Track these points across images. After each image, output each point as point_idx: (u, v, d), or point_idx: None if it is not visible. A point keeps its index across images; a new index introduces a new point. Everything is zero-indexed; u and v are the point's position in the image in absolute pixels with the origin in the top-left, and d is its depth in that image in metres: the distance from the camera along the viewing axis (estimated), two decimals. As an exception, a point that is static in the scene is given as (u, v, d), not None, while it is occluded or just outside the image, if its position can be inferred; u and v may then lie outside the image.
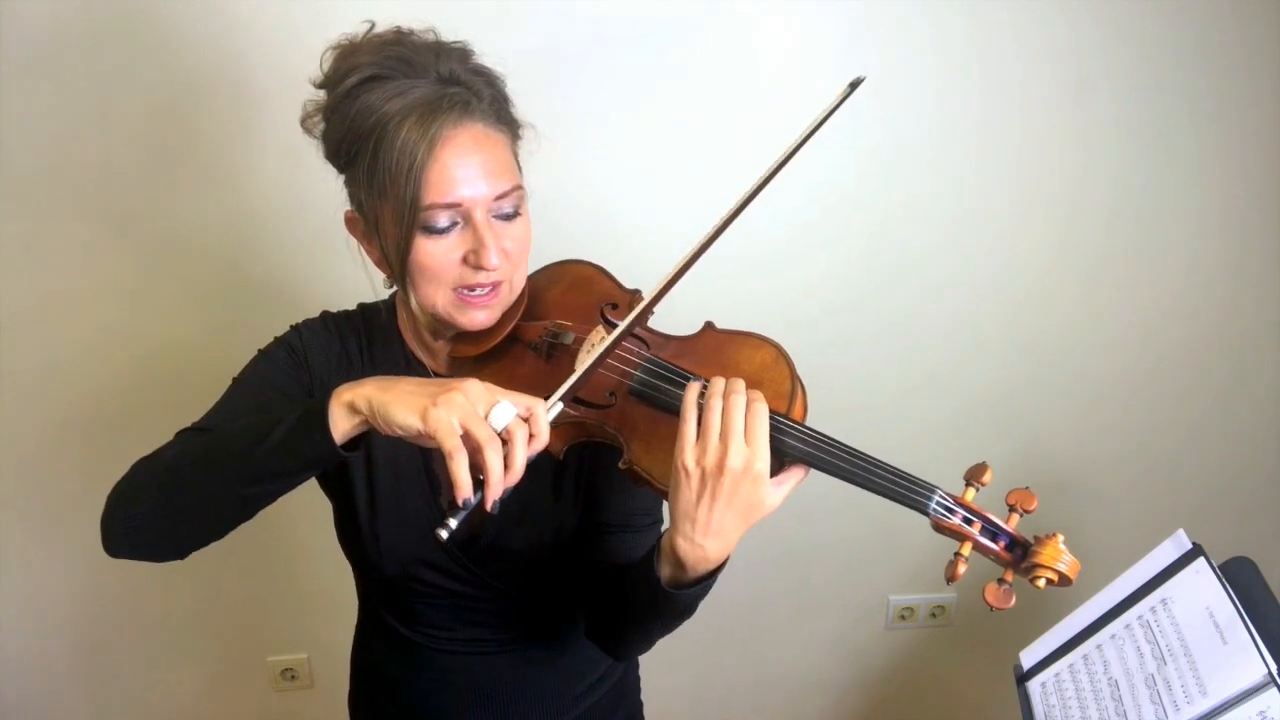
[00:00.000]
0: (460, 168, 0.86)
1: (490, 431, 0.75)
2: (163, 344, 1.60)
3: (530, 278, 1.00)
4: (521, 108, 0.96)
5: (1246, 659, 0.89)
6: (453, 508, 0.76)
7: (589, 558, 1.02)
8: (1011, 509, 0.84)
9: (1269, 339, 1.85)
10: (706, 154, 1.60)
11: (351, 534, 1.04)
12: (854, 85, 0.96)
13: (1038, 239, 1.72)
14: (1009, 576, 0.82)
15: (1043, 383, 1.84)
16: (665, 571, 0.86)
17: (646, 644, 0.99)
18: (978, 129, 1.63)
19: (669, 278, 0.88)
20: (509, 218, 0.91)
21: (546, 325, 0.97)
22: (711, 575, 0.85)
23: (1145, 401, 1.87)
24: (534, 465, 0.98)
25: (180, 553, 0.89)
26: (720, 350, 0.92)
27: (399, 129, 0.84)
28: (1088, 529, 1.88)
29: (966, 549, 0.82)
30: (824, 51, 1.57)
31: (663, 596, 0.86)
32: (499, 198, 0.89)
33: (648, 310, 0.89)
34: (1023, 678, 1.14)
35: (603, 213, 1.60)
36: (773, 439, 0.81)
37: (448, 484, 0.75)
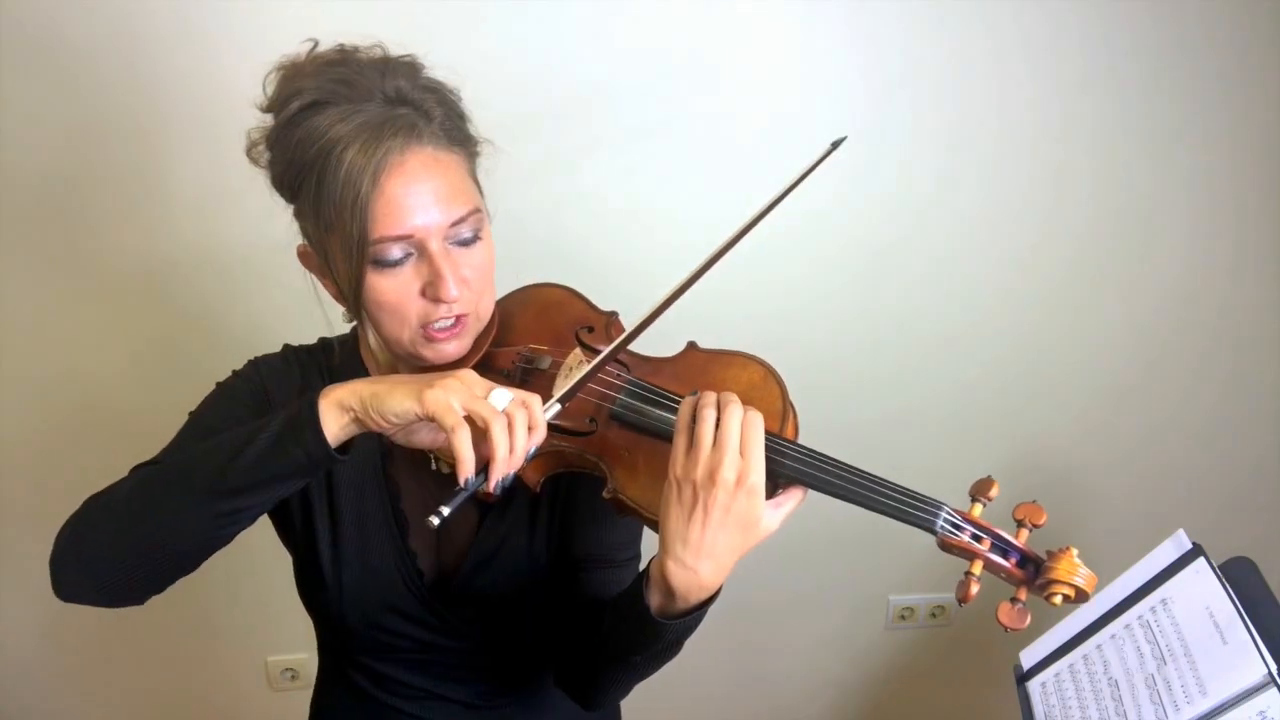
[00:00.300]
0: (410, 195, 0.81)
1: (493, 409, 0.73)
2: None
3: (499, 303, 0.95)
4: (481, 117, 0.91)
5: (1246, 659, 0.89)
6: (448, 494, 0.73)
7: (565, 597, 0.97)
8: (1020, 524, 0.80)
9: (1269, 339, 1.85)
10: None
11: (314, 585, 0.98)
12: (835, 145, 0.92)
13: (1037, 240, 1.72)
14: (1022, 595, 0.78)
15: (1042, 383, 1.84)
16: (654, 600, 0.80)
17: (623, 689, 0.93)
18: (974, 133, 1.63)
19: (651, 313, 0.84)
20: (468, 243, 0.85)
21: (520, 351, 0.93)
22: (703, 606, 0.80)
23: (1145, 402, 1.87)
24: (507, 499, 0.96)
25: (141, 593, 0.83)
26: (705, 370, 0.88)
27: (342, 157, 0.79)
28: (1088, 529, 1.88)
29: (977, 567, 0.78)
30: (815, 56, 1.57)
31: (650, 628, 0.80)
32: (455, 224, 0.83)
33: (631, 338, 0.86)
34: (1023, 678, 1.14)
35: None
36: (767, 459, 0.77)
37: (435, 481, 0.72)
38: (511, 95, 1.43)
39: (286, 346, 1.01)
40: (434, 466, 0.97)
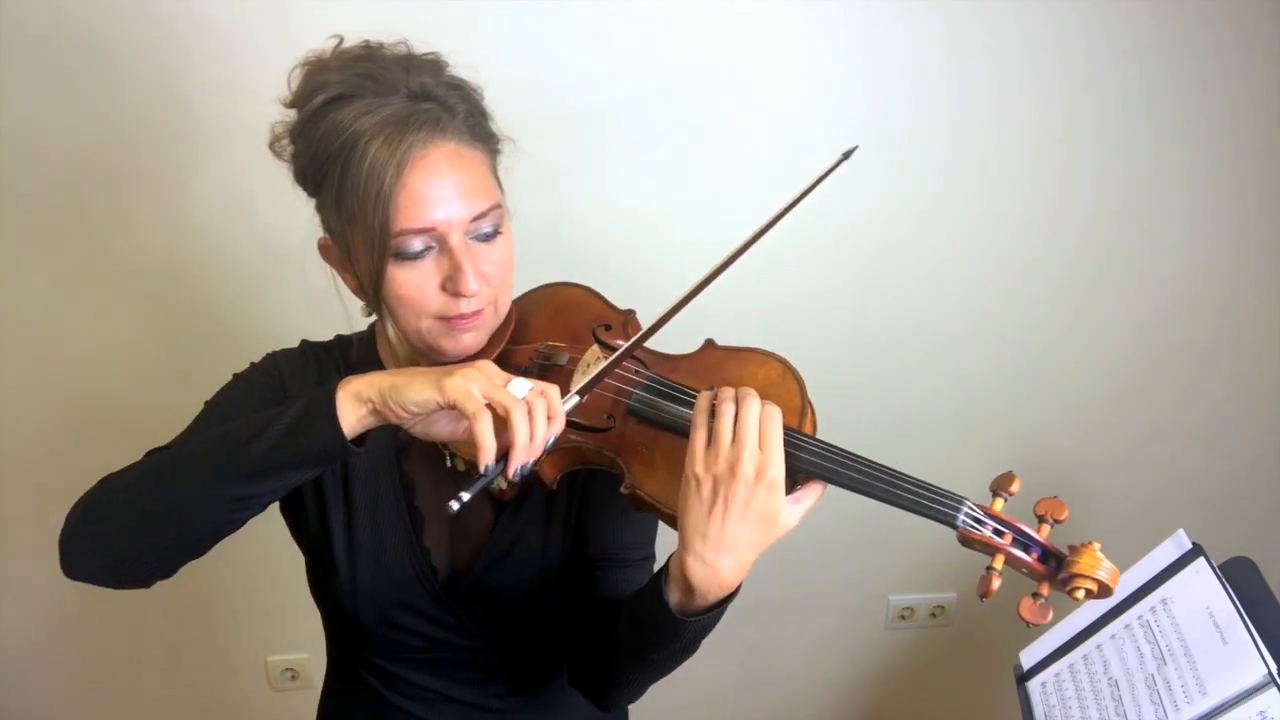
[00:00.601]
0: (432, 189, 0.81)
1: (513, 396, 0.74)
2: (144, 360, 1.59)
3: (516, 301, 0.96)
4: (502, 119, 0.92)
5: (1246, 659, 0.89)
6: (468, 480, 0.73)
7: (579, 596, 0.97)
8: (1041, 519, 0.80)
9: (1269, 339, 1.85)
10: (699, 167, 1.60)
11: (327, 581, 0.97)
12: (847, 155, 0.94)
13: (1038, 240, 1.72)
14: (1044, 590, 0.77)
15: (1043, 384, 1.84)
16: (673, 597, 0.80)
17: (639, 688, 0.92)
18: (976, 133, 1.63)
19: (669, 310, 0.84)
20: (488, 238, 0.86)
21: (537, 348, 0.93)
22: (722, 603, 0.80)
23: (1146, 402, 1.88)
24: (522, 495, 0.96)
25: (148, 575, 0.83)
26: (723, 367, 0.89)
27: (366, 151, 0.80)
28: (1088, 529, 1.87)
29: (999, 562, 0.77)
30: (826, 57, 1.57)
31: (669, 625, 0.80)
32: (476, 218, 0.84)
33: (649, 334, 0.86)
34: (1023, 678, 1.14)
35: (592, 229, 1.59)
36: (786, 454, 0.77)
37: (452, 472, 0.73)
38: (529, 97, 1.44)
39: (304, 342, 1.02)
40: (449, 464, 0.96)
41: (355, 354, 1.00)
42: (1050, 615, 0.77)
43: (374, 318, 0.99)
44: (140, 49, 1.41)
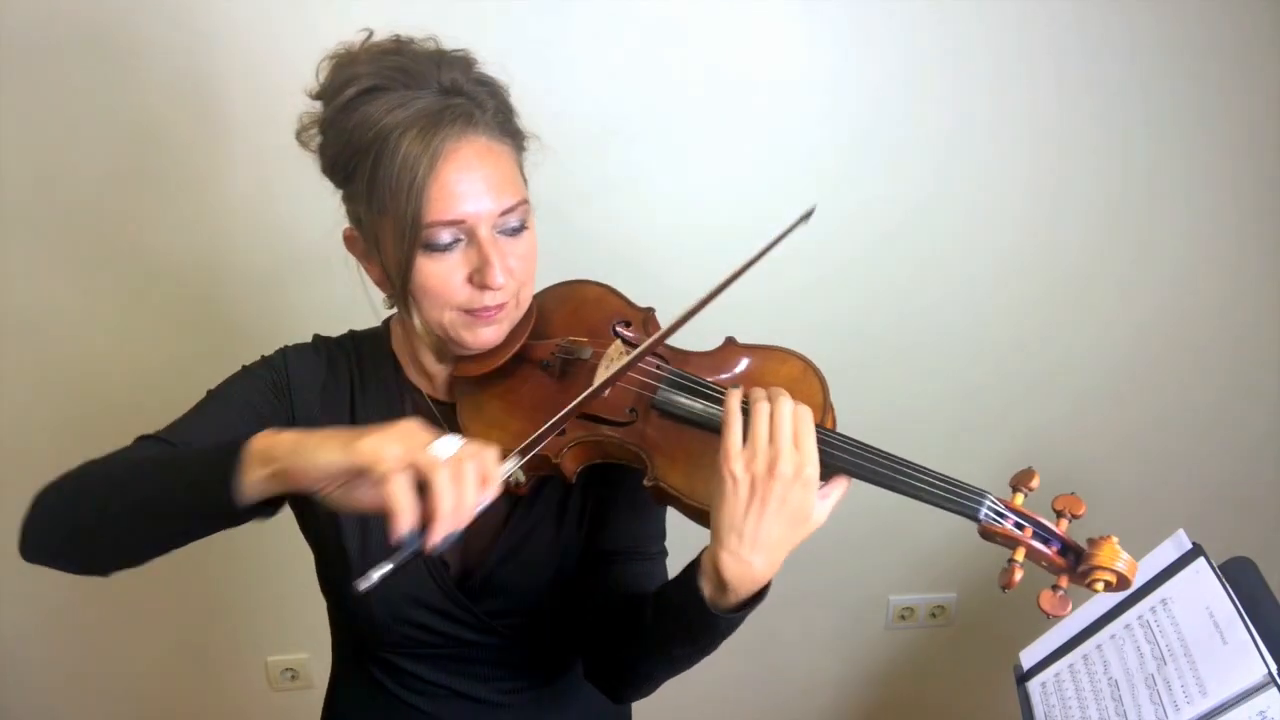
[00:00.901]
0: (463, 182, 0.83)
1: (435, 458, 0.68)
2: (153, 357, 1.60)
3: (536, 297, 0.97)
4: (528, 117, 0.93)
5: (1246, 659, 0.89)
6: (385, 552, 0.67)
7: (594, 590, 0.97)
8: (1059, 514, 0.82)
9: (1268, 338, 1.85)
10: (721, 165, 1.60)
11: (338, 577, 0.97)
12: (806, 216, 0.95)
13: (1037, 239, 1.72)
14: (1064, 582, 0.79)
15: (1041, 383, 1.84)
16: (706, 592, 0.80)
17: (655, 683, 0.93)
18: (972, 132, 1.63)
19: (683, 315, 0.85)
20: (515, 233, 0.88)
21: (559, 343, 0.95)
22: (753, 600, 0.80)
23: (1145, 401, 1.87)
24: (537, 490, 0.96)
25: (98, 570, 0.83)
26: (744, 364, 0.90)
27: (399, 142, 0.81)
28: (1088, 529, 1.88)
29: (1020, 555, 0.78)
30: (832, 58, 1.57)
31: (701, 619, 0.80)
32: (504, 213, 0.85)
33: (658, 341, 0.87)
34: (1023, 678, 1.14)
35: (613, 227, 1.60)
36: (819, 452, 0.78)
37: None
38: (545, 98, 1.45)
39: (317, 336, 1.02)
40: None
41: (367, 349, 1.01)
42: (1069, 607, 0.78)
43: (387, 314, 1.00)
44: (160, 47, 1.41)
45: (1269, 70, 1.64)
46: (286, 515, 1.01)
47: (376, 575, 0.67)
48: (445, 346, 0.93)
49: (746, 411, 0.79)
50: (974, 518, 0.79)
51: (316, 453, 0.69)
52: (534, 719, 1.07)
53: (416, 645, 1.00)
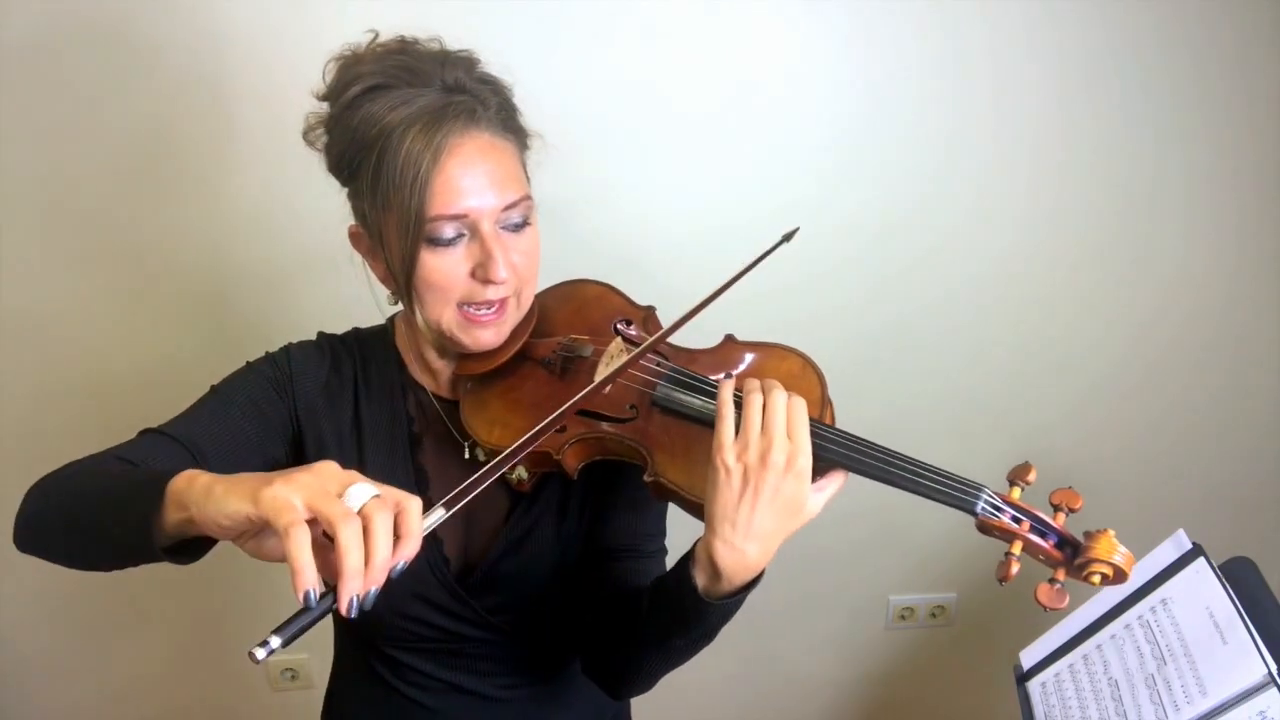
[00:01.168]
0: (466, 178, 0.84)
1: (345, 509, 0.62)
2: (160, 355, 1.60)
3: (538, 297, 0.97)
4: (529, 116, 0.94)
5: (1246, 659, 0.89)
6: (286, 620, 0.60)
7: (594, 587, 0.98)
8: (1057, 508, 0.82)
9: (1269, 339, 1.85)
10: (721, 165, 1.60)
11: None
12: (787, 236, 0.96)
13: (1037, 239, 1.72)
14: (1061, 575, 0.80)
15: (1041, 383, 1.84)
16: (700, 581, 0.81)
17: (653, 678, 0.94)
18: (974, 133, 1.63)
19: (673, 325, 0.87)
20: (517, 229, 0.88)
21: (560, 341, 0.96)
22: (747, 587, 0.82)
23: (1144, 401, 1.88)
24: (538, 487, 0.97)
25: (76, 567, 0.83)
26: (743, 361, 0.91)
27: (403, 139, 0.82)
28: (1087, 526, 1.88)
29: (1017, 548, 0.79)
30: (831, 57, 1.57)
31: (695, 608, 0.82)
32: (507, 208, 0.86)
33: (657, 343, 0.88)
34: (1023, 678, 1.14)
35: (614, 226, 1.60)
36: (813, 444, 0.78)
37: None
38: (544, 98, 1.47)
39: (321, 334, 1.03)
40: (467, 455, 0.98)
41: (371, 346, 1.02)
42: (1066, 600, 0.79)
43: (393, 310, 1.01)
44: (165, 46, 1.42)
45: (1269, 70, 1.64)
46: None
47: (276, 642, 0.59)
48: (446, 344, 0.94)
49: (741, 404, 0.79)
50: (971, 511, 0.80)
51: (224, 500, 0.64)
52: (533, 715, 1.07)
53: (416, 640, 1.00)
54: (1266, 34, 1.62)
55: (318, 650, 1.88)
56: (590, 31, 1.49)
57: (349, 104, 0.85)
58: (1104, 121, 1.65)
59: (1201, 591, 0.99)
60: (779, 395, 0.78)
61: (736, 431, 0.78)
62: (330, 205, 0.94)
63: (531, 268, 0.91)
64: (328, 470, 0.65)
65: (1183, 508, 1.94)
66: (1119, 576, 0.78)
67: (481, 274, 0.86)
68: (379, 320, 1.05)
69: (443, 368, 0.99)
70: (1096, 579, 0.78)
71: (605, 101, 1.53)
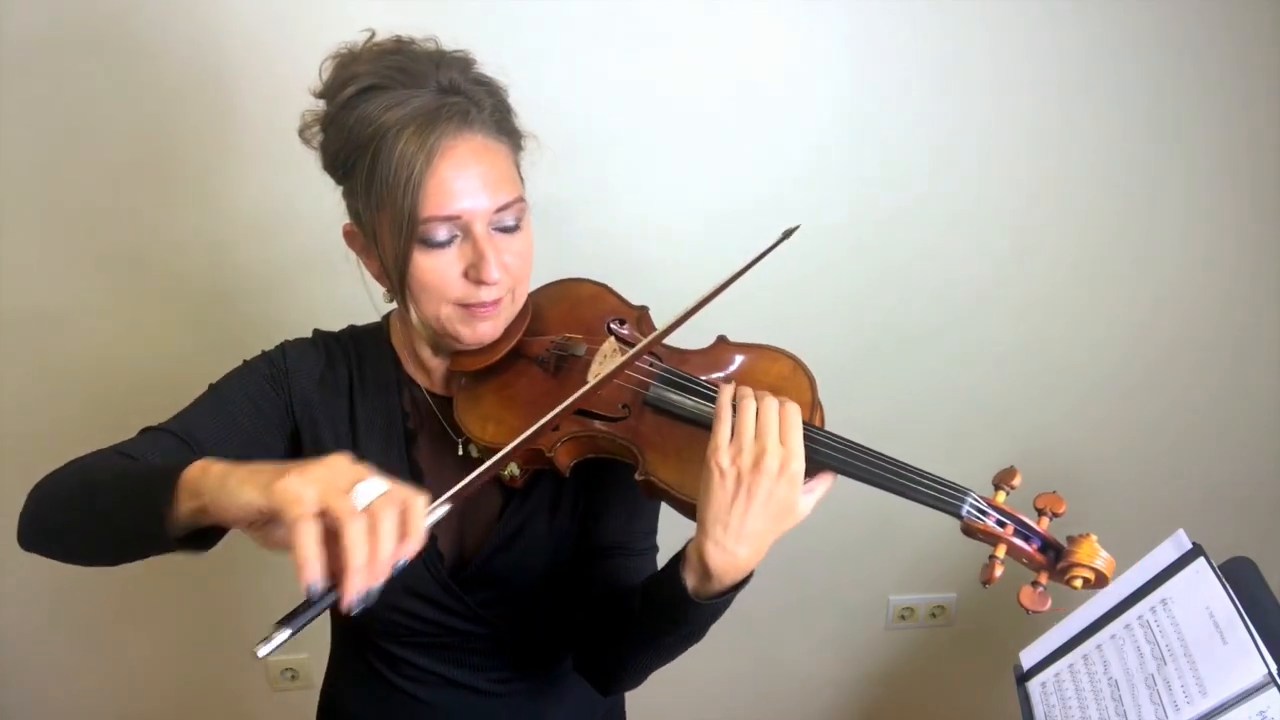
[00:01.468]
0: (459, 179, 0.84)
1: (353, 506, 0.64)
2: (159, 353, 1.60)
3: (532, 295, 0.98)
4: (525, 117, 0.94)
5: (1246, 659, 0.89)
6: (290, 612, 0.63)
7: (586, 584, 0.99)
8: (1040, 512, 0.83)
9: (1269, 339, 1.85)
10: (718, 166, 1.60)
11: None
12: (787, 233, 0.96)
13: (1036, 239, 1.72)
14: (1043, 579, 0.81)
15: (1041, 383, 1.84)
16: (690, 581, 0.82)
17: (643, 673, 0.95)
18: (973, 132, 1.63)
19: (675, 320, 0.87)
20: (510, 230, 0.89)
21: (554, 339, 0.96)
22: (736, 587, 0.83)
23: (1144, 401, 1.87)
24: (531, 483, 0.97)
25: (89, 563, 0.85)
26: (735, 362, 0.92)
27: (397, 140, 0.82)
28: (1087, 529, 1.88)
29: (1001, 551, 0.81)
30: (831, 57, 1.57)
31: (685, 608, 0.83)
32: (500, 210, 0.87)
33: (653, 343, 0.88)
34: (1023, 678, 1.14)
35: (613, 225, 1.60)
36: (805, 448, 0.79)
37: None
38: (538, 97, 1.47)
39: (316, 331, 1.04)
40: (460, 452, 0.99)
41: (366, 344, 1.02)
42: (1049, 603, 0.80)
43: (388, 308, 1.01)
44: (165, 44, 1.41)
45: (1269, 70, 1.64)
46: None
47: (281, 637, 0.61)
48: (442, 341, 0.94)
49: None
50: (956, 515, 0.81)
51: (238, 490, 0.66)
52: (525, 709, 1.08)
53: (409, 634, 1.01)
54: (1266, 34, 1.62)
55: (317, 650, 1.87)
56: (591, 32, 1.49)
57: (344, 104, 0.85)
58: (1104, 121, 1.65)
59: (1201, 591, 0.99)
60: (771, 400, 0.80)
61: (732, 435, 0.79)
62: (330, 205, 0.94)
63: (524, 268, 0.92)
64: (339, 465, 0.67)
65: (1183, 508, 1.94)
66: (1100, 581, 0.79)
67: (474, 275, 0.87)
68: (377, 319, 1.05)
69: (437, 365, 0.99)
70: (1078, 583, 0.79)
71: (605, 102, 1.53)
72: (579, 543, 1.01)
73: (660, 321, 0.91)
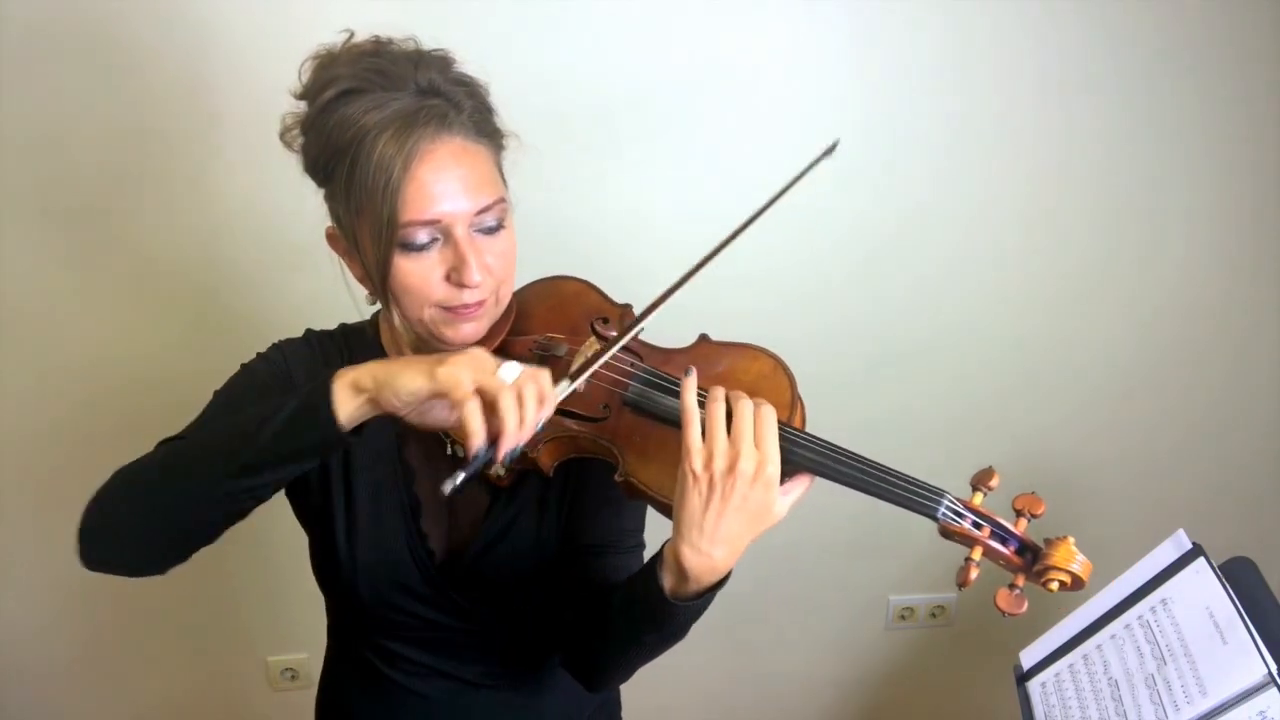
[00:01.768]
0: (439, 183, 0.84)
1: (502, 382, 0.75)
2: (152, 354, 1.60)
3: (517, 293, 0.98)
4: (506, 117, 0.94)
5: (1246, 659, 0.89)
6: (460, 464, 0.75)
7: (572, 582, 0.99)
8: (1019, 514, 0.83)
9: (1269, 339, 1.85)
10: (700, 162, 1.60)
11: (329, 561, 1.00)
12: (829, 150, 0.96)
13: (1035, 239, 1.72)
14: (1020, 581, 0.81)
15: (1041, 383, 1.84)
16: (667, 582, 0.83)
17: (628, 671, 0.95)
18: (973, 131, 1.63)
19: (659, 298, 0.87)
20: (492, 231, 0.88)
21: (536, 339, 0.96)
22: (714, 588, 0.83)
23: (1144, 401, 1.87)
24: (518, 483, 0.99)
25: (161, 562, 0.86)
26: (715, 361, 0.91)
27: (375, 144, 0.82)
28: (1087, 529, 1.85)
29: (977, 553, 0.80)
30: (831, 57, 1.57)
31: (663, 609, 0.83)
32: (480, 212, 0.86)
33: (641, 323, 0.88)
34: (1023, 678, 1.14)
35: (592, 223, 1.59)
36: (780, 450, 0.79)
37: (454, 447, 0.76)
38: (529, 94, 1.47)
39: (309, 331, 1.04)
40: (449, 450, 0.99)
41: (358, 342, 1.02)
42: (1025, 606, 0.80)
43: (378, 306, 1.01)
44: (156, 46, 1.41)
45: (1269, 70, 1.64)
46: (284, 511, 1.02)
47: (460, 478, 0.74)
48: (426, 343, 0.94)
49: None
50: (932, 516, 0.81)
51: (401, 379, 0.76)
52: (517, 703, 1.09)
53: (402, 628, 1.03)
54: (1266, 34, 1.62)
55: (318, 650, 1.88)
56: (590, 31, 1.49)
57: (323, 107, 0.85)
58: (1104, 121, 1.65)
59: (1201, 591, 0.99)
60: (745, 403, 0.79)
61: (704, 435, 0.79)
62: (319, 204, 0.93)
63: (507, 268, 0.91)
64: (482, 353, 0.79)
65: (1183, 508, 1.94)
66: (1076, 584, 0.79)
67: (456, 278, 0.86)
68: (359, 319, 1.05)
69: None
70: (1054, 586, 0.79)
71: (605, 100, 1.53)
72: (565, 541, 1.01)
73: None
